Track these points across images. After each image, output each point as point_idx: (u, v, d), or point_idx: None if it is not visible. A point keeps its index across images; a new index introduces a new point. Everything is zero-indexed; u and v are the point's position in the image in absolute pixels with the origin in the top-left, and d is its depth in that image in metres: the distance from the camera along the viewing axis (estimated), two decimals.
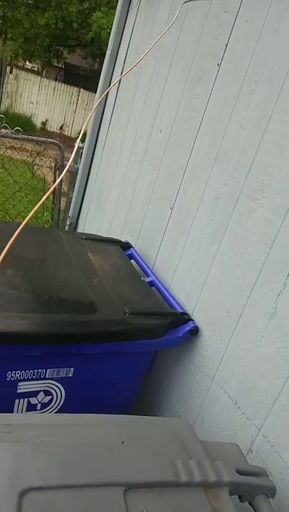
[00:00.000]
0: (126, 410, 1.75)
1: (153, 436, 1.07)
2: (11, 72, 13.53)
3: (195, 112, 1.93)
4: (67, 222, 3.82)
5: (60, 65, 16.73)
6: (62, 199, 4.08)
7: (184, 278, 1.81)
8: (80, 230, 3.71)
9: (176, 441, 1.05)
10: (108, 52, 3.24)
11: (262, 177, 1.40)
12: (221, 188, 1.64)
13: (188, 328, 1.59)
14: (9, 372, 1.37)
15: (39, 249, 1.83)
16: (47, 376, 1.44)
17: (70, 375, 1.48)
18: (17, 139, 3.27)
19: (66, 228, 3.83)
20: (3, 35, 13.80)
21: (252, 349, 1.34)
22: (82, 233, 2.19)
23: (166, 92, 2.28)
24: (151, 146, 2.38)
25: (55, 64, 15.92)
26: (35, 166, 4.16)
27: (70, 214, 3.78)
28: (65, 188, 4.16)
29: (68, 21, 11.64)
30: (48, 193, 1.22)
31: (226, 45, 1.75)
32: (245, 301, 1.40)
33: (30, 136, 3.49)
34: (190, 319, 1.63)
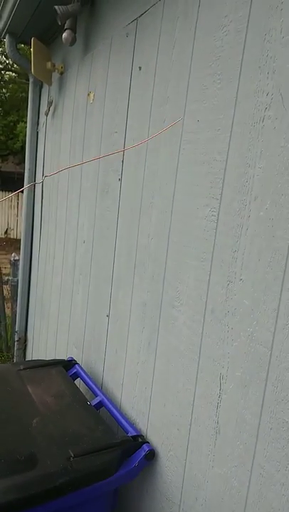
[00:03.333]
0: None
1: None
2: None
3: (109, 222, 1.99)
4: (16, 338, 3.67)
5: None
6: (7, 315, 3.96)
7: (132, 393, 1.72)
8: (29, 344, 3.57)
9: None
10: (26, 170, 3.39)
11: (176, 284, 1.42)
12: (145, 295, 1.64)
13: (142, 453, 1.47)
14: None
15: None
16: None
17: None
18: None
19: (15, 344, 3.66)
20: None
21: (207, 470, 1.24)
22: (22, 362, 2.08)
23: (82, 204, 2.36)
24: (79, 256, 2.40)
25: None
26: None
27: (17, 329, 3.65)
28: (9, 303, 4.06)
29: None
30: None
31: (122, 162, 1.86)
32: (190, 416, 1.33)
33: None
34: (144, 442, 1.52)
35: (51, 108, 2.95)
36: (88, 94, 2.27)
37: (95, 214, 2.16)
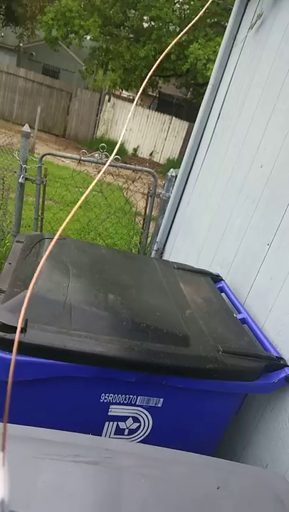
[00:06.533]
0: (210, 449, 1.71)
1: (248, 487, 1.03)
2: (109, 100, 14.47)
3: None
4: (154, 248, 3.92)
5: (155, 94, 17.51)
6: (151, 225, 4.20)
7: (281, 320, 1.74)
8: (166, 256, 3.78)
9: (272, 498, 1.00)
10: (210, 85, 3.33)
11: None
12: None
13: (284, 374, 1.52)
14: (103, 394, 1.43)
15: (136, 276, 1.89)
16: (137, 403, 1.47)
17: (159, 405, 1.49)
18: (116, 166, 3.46)
19: (153, 253, 3.92)
20: (104, 67, 14.88)
21: None
22: (175, 262, 2.22)
23: (271, 126, 2.27)
24: (250, 180, 2.37)
25: (150, 93, 16.71)
26: (130, 192, 4.36)
27: (157, 240, 3.88)
28: (155, 214, 4.29)
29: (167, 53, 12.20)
30: None
31: None
32: None
33: (128, 165, 3.67)
34: (286, 365, 1.56)
35: (258, 22, 2.77)
36: None
37: (285, 138, 2.07)
